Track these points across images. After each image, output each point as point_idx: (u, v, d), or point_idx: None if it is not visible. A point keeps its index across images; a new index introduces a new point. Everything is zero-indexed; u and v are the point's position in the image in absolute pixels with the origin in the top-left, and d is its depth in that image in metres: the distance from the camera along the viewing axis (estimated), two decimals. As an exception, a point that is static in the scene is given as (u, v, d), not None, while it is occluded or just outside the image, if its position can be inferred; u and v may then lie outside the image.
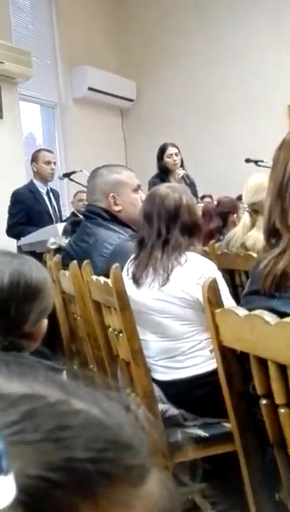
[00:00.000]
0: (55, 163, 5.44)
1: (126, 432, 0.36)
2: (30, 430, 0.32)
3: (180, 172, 5.24)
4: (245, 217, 2.97)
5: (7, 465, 0.30)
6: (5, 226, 5.25)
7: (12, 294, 1.32)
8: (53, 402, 0.34)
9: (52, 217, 5.24)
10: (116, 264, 1.96)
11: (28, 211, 5.13)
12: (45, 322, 1.43)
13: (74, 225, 3.00)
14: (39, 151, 5.52)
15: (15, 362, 0.40)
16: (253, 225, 2.94)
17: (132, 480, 0.34)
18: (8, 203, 5.25)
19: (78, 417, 0.34)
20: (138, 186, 2.80)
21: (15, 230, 5.07)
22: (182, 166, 5.32)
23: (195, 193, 5.11)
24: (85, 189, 5.42)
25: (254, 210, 2.94)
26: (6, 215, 5.27)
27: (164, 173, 5.30)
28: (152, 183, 4.83)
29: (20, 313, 1.33)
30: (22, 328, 1.34)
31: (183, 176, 5.22)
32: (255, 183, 2.97)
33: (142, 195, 2.70)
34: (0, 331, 1.29)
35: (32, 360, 1.25)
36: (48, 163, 5.30)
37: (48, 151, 5.56)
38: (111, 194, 2.72)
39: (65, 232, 3.09)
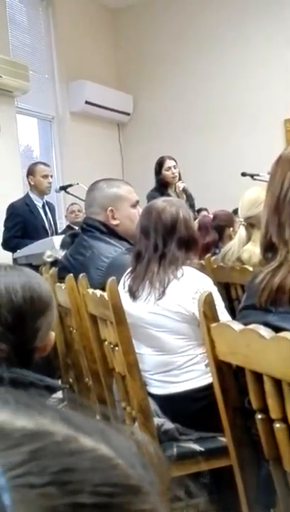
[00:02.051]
0: (52, 176, 5.45)
1: (135, 473, 0.34)
2: (34, 473, 0.30)
3: (181, 185, 5.26)
4: (241, 231, 2.98)
5: (12, 510, 0.29)
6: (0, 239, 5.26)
7: (26, 309, 1.29)
8: (60, 441, 0.33)
9: (48, 230, 5.24)
10: (113, 278, 1.96)
11: (24, 224, 5.13)
12: (52, 334, 1.41)
13: (73, 238, 2.99)
14: (36, 164, 5.52)
15: (23, 392, 0.39)
16: (249, 238, 2.94)
17: None
18: (4, 216, 5.25)
19: (85, 457, 0.32)
20: (137, 202, 2.81)
21: (11, 243, 5.07)
22: (180, 178, 5.34)
23: (192, 206, 5.12)
24: (78, 201, 5.47)
25: (250, 223, 2.95)
26: (1, 228, 5.28)
27: (163, 187, 5.32)
28: (151, 197, 4.84)
29: (33, 329, 1.31)
30: (34, 342, 1.32)
31: (183, 189, 5.23)
32: (251, 197, 2.98)
33: (140, 210, 2.71)
34: (13, 347, 1.27)
35: (33, 378, 1.23)
36: (46, 176, 5.30)
37: (45, 164, 5.57)
38: (110, 208, 2.72)
39: (64, 245, 3.09)
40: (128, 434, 0.38)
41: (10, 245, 5.07)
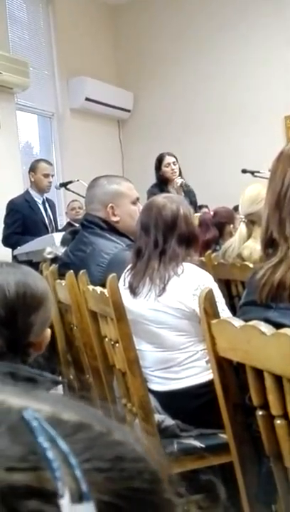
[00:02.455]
0: (53, 176, 5.44)
1: (154, 464, 0.37)
2: (97, 458, 0.33)
3: (179, 181, 5.25)
4: (241, 228, 2.97)
5: (88, 492, 0.31)
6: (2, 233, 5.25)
7: (19, 304, 1.32)
8: (103, 432, 0.35)
9: (48, 227, 5.23)
10: (113, 274, 1.96)
11: (24, 221, 5.13)
12: (48, 331, 1.44)
13: (73, 234, 2.99)
14: (38, 161, 5.50)
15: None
16: (249, 235, 2.94)
17: None
18: (4, 213, 5.25)
19: (127, 448, 0.35)
20: (137, 199, 2.80)
21: (11, 240, 5.06)
22: (180, 174, 5.34)
23: (194, 202, 5.11)
24: (78, 198, 5.46)
25: (251, 220, 2.95)
26: (2, 224, 5.27)
27: (163, 183, 5.31)
28: (151, 193, 4.83)
29: (26, 324, 1.34)
30: (28, 337, 1.34)
31: (181, 185, 5.23)
32: (252, 194, 2.98)
33: (140, 207, 2.71)
34: (7, 342, 1.30)
35: (31, 373, 1.26)
36: (47, 175, 5.29)
37: (48, 162, 5.54)
38: (110, 204, 2.72)
39: (64, 242, 3.09)
40: (135, 431, 0.41)
41: (10, 242, 5.06)
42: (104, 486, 0.32)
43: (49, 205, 5.39)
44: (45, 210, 5.32)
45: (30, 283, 1.36)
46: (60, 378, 2.54)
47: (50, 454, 0.31)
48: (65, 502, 0.30)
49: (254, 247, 2.79)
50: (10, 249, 5.05)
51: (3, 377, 1.15)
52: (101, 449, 0.34)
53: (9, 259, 4.88)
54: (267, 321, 1.16)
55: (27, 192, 5.36)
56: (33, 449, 0.32)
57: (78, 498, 0.31)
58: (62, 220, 6.74)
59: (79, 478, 0.31)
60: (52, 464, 0.31)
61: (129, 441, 0.36)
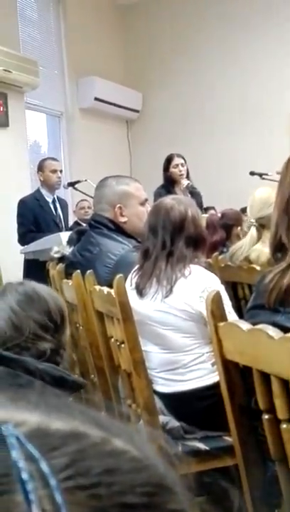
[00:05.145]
0: (61, 171, 5.45)
1: (167, 474, 0.34)
2: (82, 474, 0.30)
3: (185, 182, 5.25)
4: (252, 232, 2.96)
5: None
6: (10, 233, 5.25)
7: (65, 311, 1.49)
8: (98, 442, 0.32)
9: (59, 225, 5.24)
10: (120, 275, 1.96)
11: (35, 219, 5.14)
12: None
13: (79, 234, 2.99)
14: (45, 160, 5.52)
15: (49, 392, 0.39)
16: (259, 238, 2.93)
17: None
18: (13, 211, 5.25)
19: (123, 458, 0.32)
20: (146, 200, 2.80)
21: (27, 238, 5.03)
22: (187, 176, 5.34)
23: (200, 204, 5.11)
24: (87, 198, 5.47)
25: (261, 224, 2.93)
26: (10, 223, 5.27)
27: (170, 184, 5.31)
28: (158, 194, 4.84)
29: (67, 329, 1.50)
30: (65, 342, 1.49)
31: (187, 186, 5.23)
32: (262, 198, 2.96)
33: (148, 208, 2.70)
34: (53, 346, 1.42)
35: (63, 372, 1.34)
36: (54, 171, 5.30)
37: (54, 159, 5.57)
38: (118, 205, 2.72)
39: (70, 241, 3.09)
40: (144, 432, 0.37)
41: (26, 240, 5.03)
42: (87, 505, 0.29)
43: (60, 205, 5.40)
44: (56, 209, 5.32)
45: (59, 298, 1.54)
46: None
47: (25, 475, 0.29)
48: None
49: (261, 250, 2.78)
50: (18, 248, 5.06)
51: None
52: (90, 461, 0.31)
53: (21, 258, 4.91)
54: (275, 325, 1.16)
55: (37, 191, 5.38)
56: (7, 468, 0.29)
57: None
58: (71, 220, 6.74)
59: (58, 501, 0.28)
60: (25, 486, 0.28)
61: (130, 449, 0.33)
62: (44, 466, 0.29)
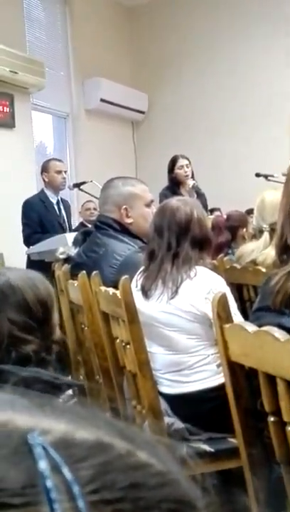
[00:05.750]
0: (66, 171, 5.45)
1: (189, 489, 0.33)
2: (107, 488, 0.29)
3: (190, 182, 5.25)
4: (266, 237, 2.94)
5: None
6: (15, 234, 5.25)
7: (50, 301, 1.33)
8: (123, 454, 0.31)
9: (63, 226, 5.24)
10: (126, 276, 1.96)
11: (40, 220, 5.14)
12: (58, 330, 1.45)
13: (85, 235, 3.00)
14: (49, 160, 5.51)
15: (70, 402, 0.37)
16: (271, 243, 2.91)
17: None
18: (19, 211, 5.26)
19: (148, 472, 0.31)
20: (151, 201, 2.80)
21: (33, 239, 5.03)
22: (192, 177, 5.33)
23: (205, 205, 5.11)
24: (93, 199, 5.48)
25: (273, 229, 2.91)
26: (15, 223, 5.28)
27: (175, 185, 5.31)
28: (163, 195, 4.84)
29: (54, 320, 1.36)
30: (54, 335, 1.36)
31: (192, 186, 5.22)
32: (273, 202, 2.93)
33: (154, 209, 2.70)
34: (41, 341, 1.30)
35: (48, 377, 1.23)
36: (59, 172, 5.29)
37: (58, 160, 5.56)
38: (124, 206, 2.72)
39: (76, 242, 3.09)
40: (165, 443, 0.36)
41: (32, 241, 5.03)
42: None
43: (64, 206, 5.40)
44: (60, 210, 5.33)
45: (44, 280, 1.36)
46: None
47: (50, 484, 0.28)
48: None
49: (268, 253, 2.78)
50: (23, 248, 5.07)
51: (20, 390, 1.14)
52: (116, 475, 0.30)
53: (24, 257, 4.92)
54: (281, 326, 1.15)
55: (42, 192, 5.37)
56: (33, 479, 0.28)
57: None
58: (76, 221, 6.75)
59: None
60: (50, 496, 0.28)
61: (154, 462, 0.32)
62: (70, 478, 0.29)
